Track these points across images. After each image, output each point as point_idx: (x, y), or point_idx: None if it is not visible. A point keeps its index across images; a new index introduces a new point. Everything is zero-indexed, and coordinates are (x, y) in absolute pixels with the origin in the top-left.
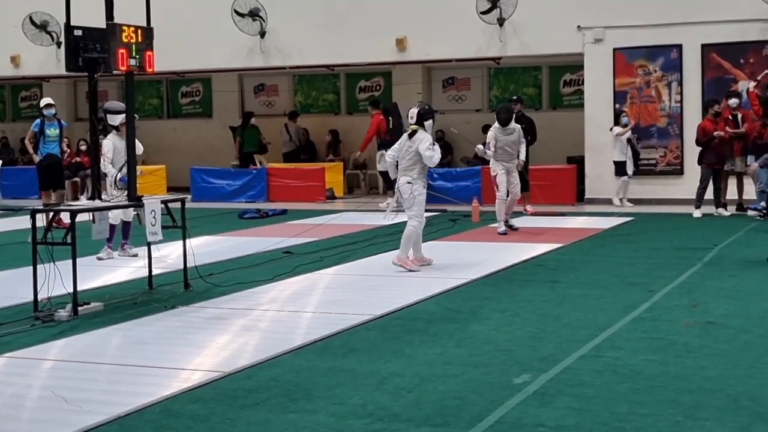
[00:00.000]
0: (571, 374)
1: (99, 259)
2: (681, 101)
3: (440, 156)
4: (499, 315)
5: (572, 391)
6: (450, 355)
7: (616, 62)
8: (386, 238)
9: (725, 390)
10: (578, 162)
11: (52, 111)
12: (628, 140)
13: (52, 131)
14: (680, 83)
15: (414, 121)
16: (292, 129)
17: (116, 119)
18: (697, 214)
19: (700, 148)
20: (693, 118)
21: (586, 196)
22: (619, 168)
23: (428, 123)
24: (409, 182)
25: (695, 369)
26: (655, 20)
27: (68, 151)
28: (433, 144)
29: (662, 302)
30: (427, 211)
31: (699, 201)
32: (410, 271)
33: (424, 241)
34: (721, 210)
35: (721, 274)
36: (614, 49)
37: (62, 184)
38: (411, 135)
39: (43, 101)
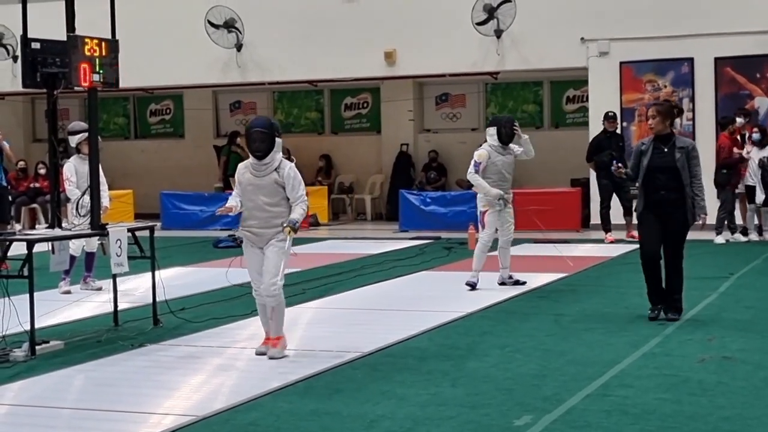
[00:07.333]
0: (577, 415)
1: (66, 293)
2: (693, 119)
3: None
4: (498, 351)
5: None
6: (445, 396)
7: (622, 77)
8: (375, 268)
9: (744, 431)
10: (583, 185)
11: None
12: (760, 162)
13: None
14: (692, 99)
15: None
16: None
17: (74, 140)
18: (744, 237)
19: (716, 170)
20: (706, 137)
21: (591, 222)
22: (750, 194)
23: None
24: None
25: (711, 408)
26: (665, 32)
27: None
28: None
29: (675, 336)
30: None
31: (721, 227)
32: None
33: (414, 272)
34: (737, 236)
35: (738, 306)
36: (621, 63)
37: (4, 215)
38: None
39: None
